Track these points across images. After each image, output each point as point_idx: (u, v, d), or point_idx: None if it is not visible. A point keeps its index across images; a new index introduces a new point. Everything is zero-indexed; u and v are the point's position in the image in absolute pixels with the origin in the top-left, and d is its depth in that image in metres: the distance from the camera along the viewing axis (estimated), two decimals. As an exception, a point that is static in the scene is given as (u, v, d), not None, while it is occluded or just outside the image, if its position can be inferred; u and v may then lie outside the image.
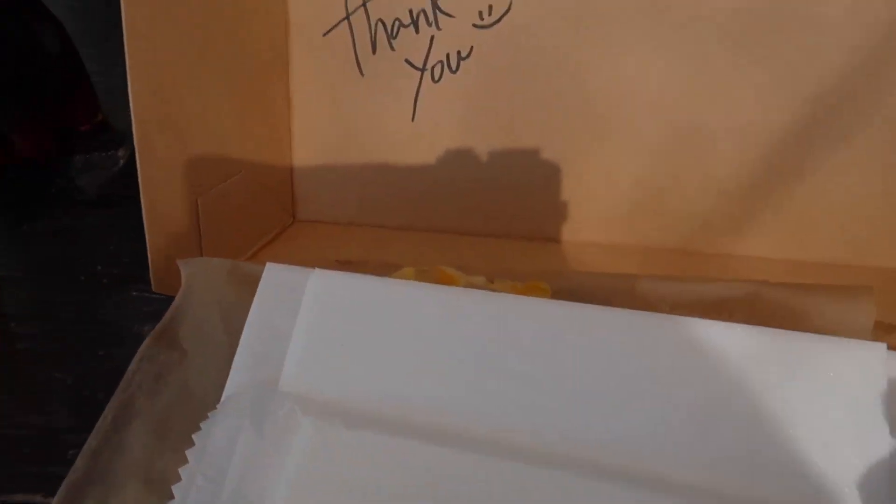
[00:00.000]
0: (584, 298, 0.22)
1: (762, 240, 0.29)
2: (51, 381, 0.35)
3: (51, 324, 0.37)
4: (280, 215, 0.33)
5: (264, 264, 0.22)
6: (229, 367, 0.20)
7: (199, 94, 0.27)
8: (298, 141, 0.33)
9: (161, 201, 0.27)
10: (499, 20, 0.29)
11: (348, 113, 0.32)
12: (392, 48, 0.31)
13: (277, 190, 0.33)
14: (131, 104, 0.25)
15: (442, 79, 0.31)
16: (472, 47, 0.30)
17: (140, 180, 0.26)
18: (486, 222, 0.32)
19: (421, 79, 0.31)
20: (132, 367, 0.22)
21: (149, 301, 0.37)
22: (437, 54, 0.30)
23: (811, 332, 0.20)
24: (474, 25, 0.30)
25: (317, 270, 0.21)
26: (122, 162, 0.46)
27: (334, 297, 0.20)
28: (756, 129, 0.28)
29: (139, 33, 0.25)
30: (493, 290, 0.22)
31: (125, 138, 0.46)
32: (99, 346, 0.36)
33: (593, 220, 0.31)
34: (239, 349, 0.21)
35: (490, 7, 0.29)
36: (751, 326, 0.19)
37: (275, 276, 0.21)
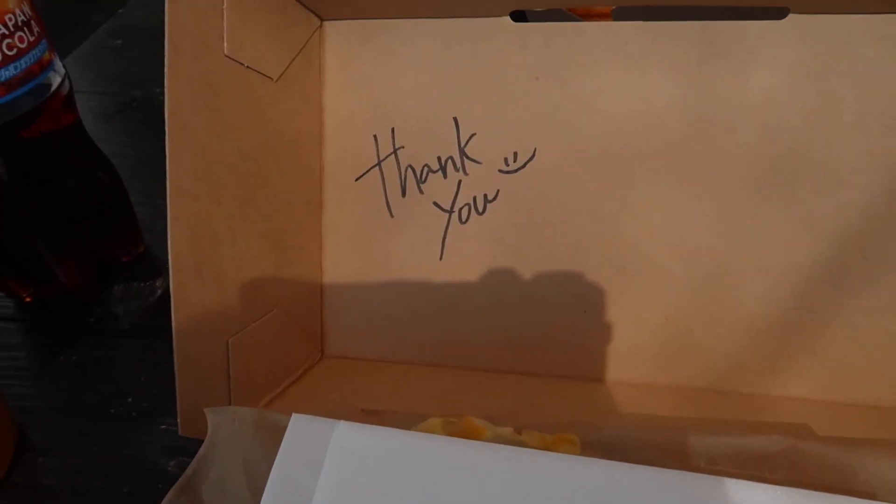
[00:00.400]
0: (615, 452, 0.22)
1: (798, 380, 0.29)
2: (73, 520, 0.34)
3: (78, 458, 0.37)
4: (309, 351, 0.33)
5: (290, 413, 0.22)
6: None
7: (236, 242, 0.29)
8: (329, 279, 0.33)
9: (193, 345, 0.27)
10: (523, 166, 0.30)
11: (378, 252, 0.33)
12: (421, 191, 0.32)
13: (307, 327, 0.33)
14: (170, 254, 0.26)
15: (469, 220, 0.31)
16: (497, 191, 0.31)
17: (174, 326, 0.27)
18: (513, 360, 0.32)
19: (449, 220, 0.32)
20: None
21: (175, 436, 0.37)
22: (465, 197, 0.31)
23: (856, 491, 0.19)
24: (500, 171, 0.31)
25: (341, 424, 0.21)
26: (159, 292, 0.47)
27: (358, 453, 0.20)
28: (783, 270, 0.28)
29: (181, 187, 0.26)
30: (521, 442, 0.22)
31: (164, 268, 0.48)
32: (124, 481, 0.36)
33: (622, 359, 0.30)
34: (262, 507, 0.20)
35: (515, 154, 0.30)
36: (795, 490, 0.18)
37: (300, 429, 0.21)
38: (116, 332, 0.44)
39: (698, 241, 0.29)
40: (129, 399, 0.40)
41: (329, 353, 0.34)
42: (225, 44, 0.27)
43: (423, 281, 0.32)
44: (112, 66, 0.75)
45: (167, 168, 0.26)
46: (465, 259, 0.32)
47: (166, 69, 0.25)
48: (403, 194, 0.32)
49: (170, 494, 0.22)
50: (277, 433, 0.22)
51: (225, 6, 0.26)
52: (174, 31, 0.25)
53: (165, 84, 0.25)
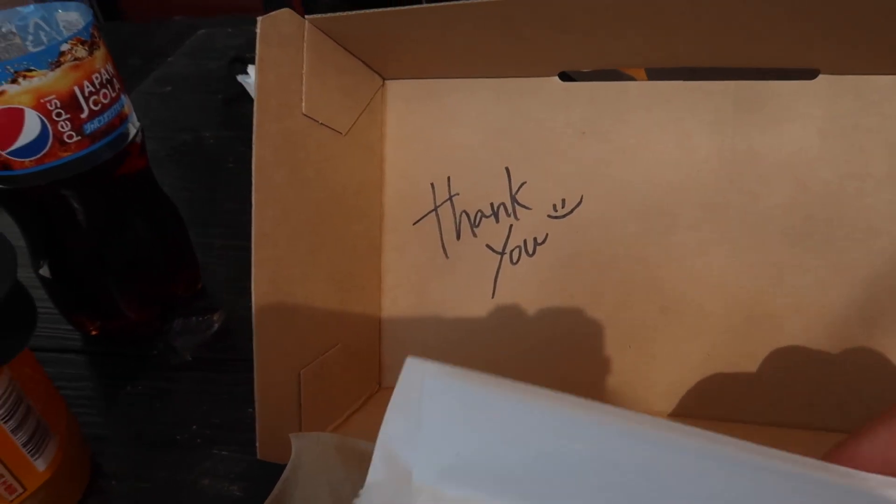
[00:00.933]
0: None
1: (837, 413, 0.30)
2: (147, 541, 0.37)
3: (148, 482, 0.40)
4: (368, 384, 0.36)
5: (368, 439, 0.24)
6: (337, 543, 0.22)
7: (307, 283, 0.31)
8: (387, 316, 0.36)
9: (271, 376, 0.30)
10: (571, 212, 0.33)
11: (433, 291, 0.35)
12: (475, 235, 0.34)
13: (367, 360, 0.35)
14: (253, 294, 0.29)
15: (520, 261, 0.34)
16: (546, 234, 0.33)
17: (255, 358, 0.30)
18: (559, 390, 0.34)
19: (500, 261, 0.34)
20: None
21: (239, 462, 0.40)
22: (515, 240, 0.34)
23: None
24: (549, 216, 0.33)
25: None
26: (216, 326, 0.50)
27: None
28: (818, 311, 0.30)
29: (265, 233, 0.29)
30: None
31: (220, 304, 0.51)
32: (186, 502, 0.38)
33: (664, 393, 0.32)
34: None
35: (563, 201, 0.33)
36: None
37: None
38: (177, 365, 0.47)
39: (738, 284, 0.31)
40: (193, 426, 0.43)
41: (386, 385, 0.36)
42: (303, 104, 0.30)
43: (476, 318, 0.35)
44: (162, 111, 0.80)
45: (253, 216, 0.28)
46: (516, 297, 0.34)
47: (255, 129, 0.28)
48: (458, 237, 0.35)
49: (261, 514, 0.24)
50: (358, 456, 0.24)
51: (304, 71, 0.29)
52: (262, 95, 0.28)
53: (254, 142, 0.28)
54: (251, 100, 0.79)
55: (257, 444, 0.31)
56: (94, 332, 0.49)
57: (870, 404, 0.30)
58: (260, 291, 0.29)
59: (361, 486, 0.24)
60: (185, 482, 0.39)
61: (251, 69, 0.76)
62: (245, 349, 0.47)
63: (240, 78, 0.79)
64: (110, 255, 0.45)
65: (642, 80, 0.33)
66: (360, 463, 0.24)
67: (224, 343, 0.49)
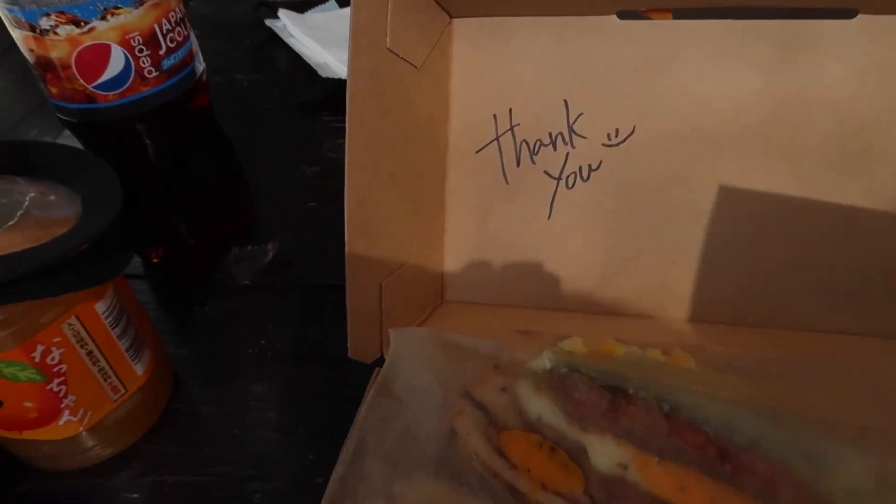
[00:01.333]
0: (726, 370, 0.27)
1: (854, 322, 0.35)
2: (232, 438, 0.41)
3: (227, 390, 0.44)
4: (433, 298, 0.40)
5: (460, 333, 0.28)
6: (445, 415, 0.26)
7: (386, 205, 0.35)
8: (450, 237, 0.39)
9: (360, 285, 0.33)
10: (624, 140, 0.36)
11: (493, 214, 0.39)
12: (533, 162, 0.38)
13: (433, 277, 0.39)
14: (346, 212, 0.32)
15: (575, 186, 0.37)
16: (601, 161, 0.37)
17: (347, 269, 0.33)
18: (612, 304, 0.38)
19: (557, 186, 0.37)
20: (362, 411, 0.27)
21: (307, 375, 0.44)
22: (571, 167, 0.37)
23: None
24: (603, 144, 0.37)
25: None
26: (270, 254, 0.53)
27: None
28: (847, 230, 0.34)
29: (355, 157, 0.32)
30: (647, 357, 0.28)
31: (273, 234, 0.54)
32: (264, 408, 0.42)
33: (706, 304, 0.36)
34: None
35: (617, 130, 0.36)
36: None
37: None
38: (238, 289, 0.51)
39: (778, 208, 0.35)
40: (263, 342, 0.46)
41: (448, 299, 0.40)
42: (388, 39, 0.33)
43: (532, 238, 0.38)
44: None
45: (346, 142, 0.32)
46: (570, 219, 0.38)
47: (349, 62, 0.31)
48: (518, 164, 0.38)
49: (372, 392, 0.28)
50: (452, 347, 0.28)
51: (389, 8, 0.32)
52: (356, 32, 0.31)
53: (348, 75, 0.31)
54: (282, 44, 0.81)
55: (349, 345, 0.35)
56: (155, 260, 0.53)
57: (885, 306, 0.34)
58: (351, 209, 0.32)
59: (464, 374, 0.28)
60: (263, 390, 0.43)
61: (283, 13, 0.78)
62: (300, 276, 0.51)
63: (269, 22, 0.81)
64: (177, 186, 0.48)
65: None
66: (458, 351, 0.28)
67: (280, 271, 0.53)
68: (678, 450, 0.25)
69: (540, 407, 0.27)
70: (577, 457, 0.26)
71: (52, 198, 0.35)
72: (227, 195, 0.52)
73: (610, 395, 0.27)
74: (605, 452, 0.25)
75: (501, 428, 0.27)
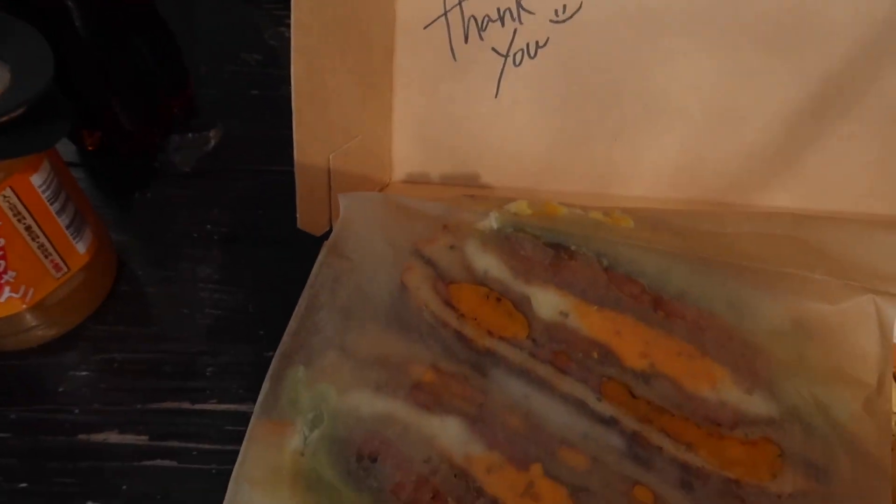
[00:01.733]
0: (660, 226, 0.29)
1: (784, 193, 0.37)
2: (181, 317, 0.41)
3: (173, 272, 0.44)
4: (381, 176, 0.40)
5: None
6: (395, 272, 0.27)
7: (336, 74, 0.34)
8: (398, 115, 0.39)
9: (307, 155, 0.33)
10: (571, 17, 0.36)
11: (442, 91, 0.39)
12: (481, 38, 0.37)
13: (381, 154, 0.39)
14: (292, 78, 0.32)
15: (522, 63, 0.37)
16: (548, 38, 0.37)
17: (295, 139, 0.33)
18: (555, 181, 0.39)
19: (504, 63, 0.38)
20: (315, 270, 0.28)
21: (255, 255, 0.44)
22: (519, 43, 0.37)
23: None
24: (550, 21, 0.37)
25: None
26: (213, 142, 0.52)
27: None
28: (778, 107, 0.36)
29: (302, 21, 0.31)
30: (588, 218, 0.29)
31: (216, 122, 0.53)
32: (212, 288, 0.42)
33: (645, 179, 0.38)
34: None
35: (564, 6, 0.36)
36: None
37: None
38: (181, 175, 0.50)
39: (713, 84, 0.36)
40: (208, 226, 0.46)
41: (395, 179, 0.41)
42: None
43: (480, 115, 0.39)
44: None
45: (292, 3, 0.31)
46: (518, 97, 0.38)
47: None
48: (466, 41, 0.38)
49: (323, 252, 0.28)
50: (402, 210, 0.28)
51: None
52: None
53: (292, -70, 0.30)
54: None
55: (298, 215, 0.35)
56: (90, 148, 0.51)
57: (811, 179, 0.36)
58: (298, 75, 0.32)
59: (413, 234, 0.29)
60: (212, 273, 0.43)
61: None
62: (244, 162, 0.51)
63: None
64: (111, 67, 0.46)
65: None
66: (408, 212, 0.28)
67: (224, 157, 0.52)
68: (616, 299, 0.27)
69: (486, 262, 0.28)
70: (522, 306, 0.27)
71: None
72: (164, 79, 0.50)
73: (553, 252, 0.28)
74: (547, 301, 0.27)
75: (450, 282, 0.28)
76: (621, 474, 0.24)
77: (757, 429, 0.25)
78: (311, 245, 0.40)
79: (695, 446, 0.24)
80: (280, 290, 0.42)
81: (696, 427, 0.25)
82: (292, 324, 0.27)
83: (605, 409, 0.25)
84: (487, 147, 0.39)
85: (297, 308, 0.27)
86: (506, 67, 0.38)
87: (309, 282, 0.28)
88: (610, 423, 0.25)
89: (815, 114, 0.36)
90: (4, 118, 0.31)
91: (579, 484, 0.24)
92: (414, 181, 0.41)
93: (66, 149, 0.51)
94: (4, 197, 0.33)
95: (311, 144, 0.34)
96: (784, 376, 0.26)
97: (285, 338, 0.26)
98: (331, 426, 0.25)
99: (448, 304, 0.27)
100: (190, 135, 0.52)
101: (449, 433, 0.25)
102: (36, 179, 0.35)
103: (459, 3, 0.37)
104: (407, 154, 0.40)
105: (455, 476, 0.24)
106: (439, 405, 0.25)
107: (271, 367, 0.26)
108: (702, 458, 0.24)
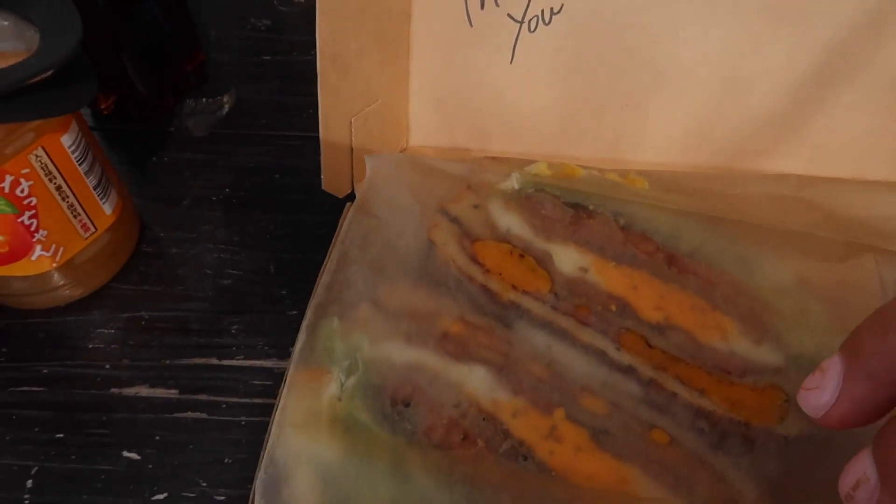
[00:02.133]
0: (672, 189, 0.30)
1: (789, 159, 0.38)
2: (204, 277, 0.43)
3: (194, 234, 0.45)
4: (398, 141, 0.41)
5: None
6: (422, 229, 0.28)
7: (356, 39, 0.35)
8: (415, 79, 0.40)
9: (331, 119, 0.34)
10: (586, -17, 0.37)
11: (457, 57, 0.39)
12: (497, 4, 0.38)
13: (398, 119, 0.40)
14: (318, 41, 0.33)
15: (537, 29, 0.38)
16: (562, 5, 0.38)
17: (320, 102, 0.34)
18: (568, 147, 0.40)
19: (519, 29, 0.38)
20: (344, 228, 0.29)
21: (273, 218, 0.45)
22: (534, 10, 0.38)
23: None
24: (566, -13, 0.37)
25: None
26: (226, 107, 0.53)
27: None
28: (783, 72, 0.37)
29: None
30: (606, 178, 0.30)
31: (229, 87, 0.53)
32: (233, 250, 0.44)
33: (656, 144, 0.39)
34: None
35: (579, -27, 0.37)
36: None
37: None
38: (196, 139, 0.51)
39: (721, 51, 0.37)
40: (227, 189, 0.47)
41: (412, 144, 0.42)
42: None
43: (496, 82, 0.40)
44: None
45: (319, -31, 0.32)
46: (532, 63, 0.39)
47: None
48: (482, 7, 0.38)
49: (352, 211, 0.30)
50: (429, 170, 0.29)
51: None
52: None
53: None
54: None
55: (322, 176, 0.36)
56: (105, 112, 0.52)
57: (815, 145, 0.38)
58: (323, 37, 0.33)
59: (438, 193, 0.30)
60: (228, 233, 0.45)
61: None
62: (259, 127, 0.52)
63: None
64: (125, 32, 0.46)
65: None
66: (433, 173, 0.29)
67: (237, 123, 0.52)
68: (632, 256, 0.29)
69: (509, 221, 0.29)
70: (543, 262, 0.29)
71: (6, 24, 0.34)
72: (176, 43, 0.51)
73: (572, 211, 0.29)
74: (567, 258, 0.28)
75: (475, 239, 0.29)
76: (639, 418, 0.26)
77: (764, 377, 0.27)
78: (328, 209, 0.41)
79: (707, 392, 0.26)
80: (300, 252, 0.44)
81: (708, 375, 0.27)
82: (325, 278, 0.28)
83: (624, 358, 0.27)
84: (502, 113, 0.40)
85: (328, 263, 0.29)
86: (521, 33, 0.39)
87: (339, 238, 0.29)
88: (628, 371, 0.27)
89: (820, 81, 0.37)
90: (35, 79, 0.32)
91: (600, 427, 0.26)
92: (430, 146, 0.42)
93: (81, 112, 0.51)
94: (36, 157, 0.34)
95: (335, 107, 0.35)
96: (789, 329, 0.28)
97: (319, 290, 0.28)
98: (365, 374, 0.26)
99: (474, 260, 0.28)
100: (203, 100, 0.53)
101: (476, 380, 0.26)
102: (66, 140, 0.36)
103: (476, -30, 0.38)
104: (423, 119, 0.41)
105: (483, 420, 0.26)
106: (467, 354, 0.27)
107: (306, 318, 0.28)
108: (714, 402, 0.26)
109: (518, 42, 0.39)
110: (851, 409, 0.18)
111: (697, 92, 0.38)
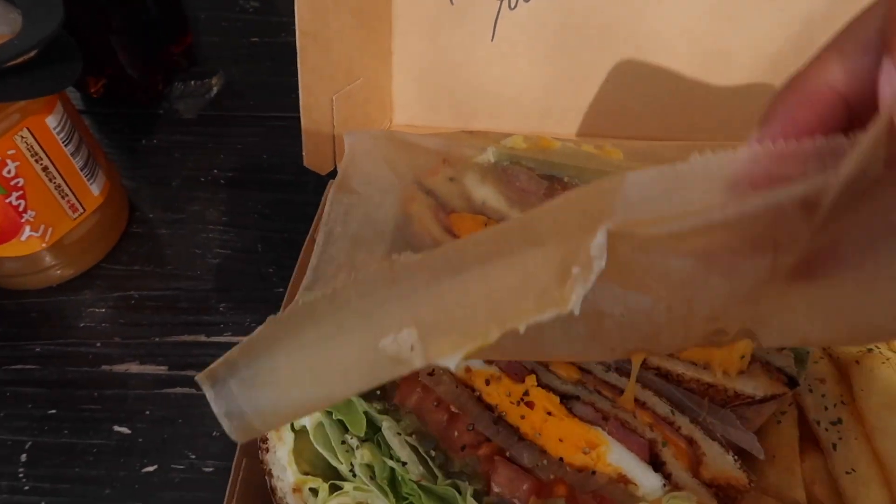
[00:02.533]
0: (648, 158, 0.31)
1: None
2: (193, 256, 0.43)
3: (183, 214, 0.45)
4: (383, 118, 0.41)
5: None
6: (400, 201, 0.29)
7: (337, 17, 0.35)
8: (398, 58, 0.41)
9: (313, 95, 0.35)
10: (564, -42, 0.37)
11: (439, 35, 0.40)
12: (477, -18, 0.38)
13: (382, 97, 0.41)
14: (297, 17, 0.33)
15: (517, 6, 0.39)
16: (542, -19, 0.38)
17: (300, 78, 0.34)
18: (550, 123, 0.40)
19: (500, 7, 0.39)
20: (326, 209, 0.30)
21: (261, 198, 0.46)
22: (514, -13, 0.38)
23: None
24: (545, -36, 0.38)
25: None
26: (215, 90, 0.53)
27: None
28: (763, 46, 0.37)
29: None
30: (581, 150, 0.31)
31: (215, 70, 0.54)
32: (221, 230, 0.44)
33: (638, 118, 0.39)
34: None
35: (558, -52, 0.37)
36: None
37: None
38: (186, 121, 0.51)
39: (701, 26, 0.37)
40: (215, 170, 0.48)
41: (396, 123, 0.42)
42: None
43: (477, 60, 0.40)
44: None
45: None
46: (513, 40, 0.39)
47: None
48: (463, -15, 0.39)
49: (333, 190, 0.30)
50: (406, 145, 0.30)
51: None
52: None
53: None
54: None
55: (304, 153, 0.36)
56: (95, 95, 0.52)
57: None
58: (302, 14, 0.33)
59: (415, 167, 0.30)
60: (215, 212, 0.45)
61: None
62: (247, 108, 0.52)
63: None
64: (114, 14, 0.47)
65: None
66: (410, 147, 0.30)
67: (226, 104, 0.53)
68: (605, 226, 0.29)
69: (484, 193, 0.30)
70: (518, 233, 0.29)
71: (-10, 7, 0.35)
72: (165, 25, 0.51)
73: (547, 183, 0.30)
74: (541, 228, 0.29)
75: (451, 211, 0.29)
76: (608, 383, 0.26)
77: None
78: (314, 189, 0.42)
79: (674, 355, 0.27)
80: (286, 231, 0.44)
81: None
82: (312, 260, 0.29)
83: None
84: (484, 90, 0.40)
85: (316, 245, 0.29)
86: (501, 10, 0.39)
87: (322, 220, 0.29)
88: (599, 338, 0.27)
89: (798, 54, 0.37)
90: (17, 60, 0.32)
91: (570, 392, 0.26)
92: (414, 124, 0.42)
93: (72, 96, 0.52)
94: (21, 137, 0.35)
95: (315, 84, 0.35)
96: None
97: (308, 272, 0.28)
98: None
99: (449, 231, 0.29)
100: (192, 82, 0.53)
101: (451, 349, 0.27)
102: (51, 121, 0.36)
103: (456, -53, 0.38)
104: (407, 98, 0.42)
105: (456, 387, 0.26)
106: (442, 323, 0.27)
107: (296, 298, 0.28)
108: (682, 364, 0.26)
109: (499, 19, 0.39)
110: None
111: (679, 66, 0.38)
